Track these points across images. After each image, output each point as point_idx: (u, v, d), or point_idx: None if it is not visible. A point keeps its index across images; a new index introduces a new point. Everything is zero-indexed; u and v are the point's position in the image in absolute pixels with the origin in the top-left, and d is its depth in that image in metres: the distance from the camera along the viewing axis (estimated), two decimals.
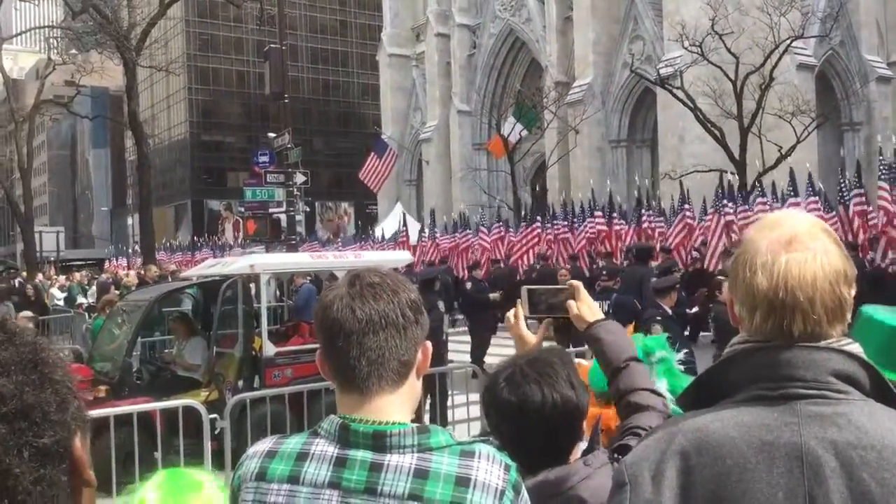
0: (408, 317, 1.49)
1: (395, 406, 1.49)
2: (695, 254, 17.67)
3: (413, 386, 1.54)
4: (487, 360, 12.19)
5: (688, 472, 1.23)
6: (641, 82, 32.32)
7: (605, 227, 20.19)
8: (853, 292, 1.31)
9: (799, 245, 1.29)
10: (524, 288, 2.05)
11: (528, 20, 41.48)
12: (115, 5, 26.49)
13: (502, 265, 19.47)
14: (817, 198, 16.63)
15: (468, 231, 23.75)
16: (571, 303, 2.14)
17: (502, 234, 22.30)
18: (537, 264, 18.39)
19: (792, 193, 16.81)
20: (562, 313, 2.10)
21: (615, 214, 20.93)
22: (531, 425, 1.94)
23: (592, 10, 36.10)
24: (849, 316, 1.32)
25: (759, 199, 17.73)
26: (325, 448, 1.46)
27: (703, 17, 24.14)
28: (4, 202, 51.51)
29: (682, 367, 3.06)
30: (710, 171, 22.00)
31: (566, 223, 21.25)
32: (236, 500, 1.52)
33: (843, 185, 16.53)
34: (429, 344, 1.57)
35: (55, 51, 38.28)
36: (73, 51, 36.26)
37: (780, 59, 22.29)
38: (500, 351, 12.04)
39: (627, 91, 36.14)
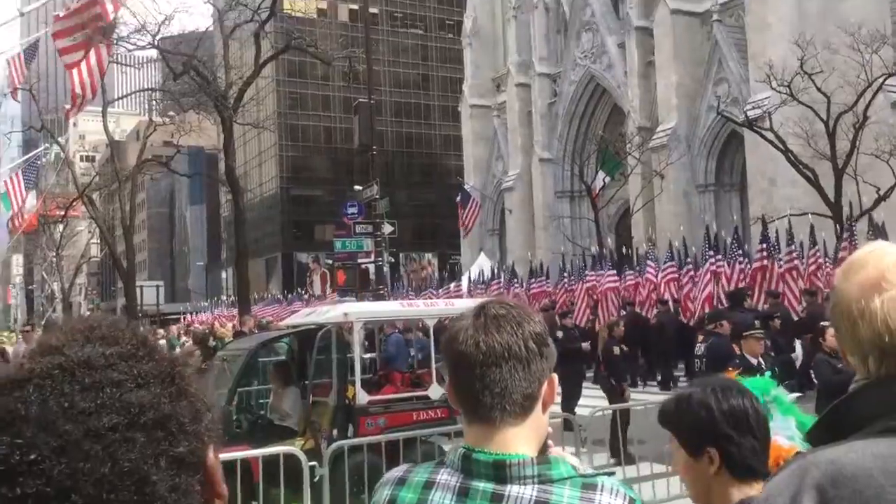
0: (532, 349, 1.48)
1: (519, 439, 1.48)
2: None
3: (539, 419, 1.52)
4: (578, 410, 11.99)
5: None
6: (728, 125, 31.80)
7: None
8: None
9: (888, 283, 1.27)
10: None
11: (609, 66, 41.44)
12: (213, 67, 27.76)
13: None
14: None
15: (552, 279, 23.66)
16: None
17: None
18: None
19: None
20: None
21: (689, 260, 20.74)
22: None
23: (675, 54, 35.89)
24: None
25: (842, 245, 17.22)
26: (449, 477, 1.48)
27: (790, 58, 23.71)
28: (108, 258, 53.84)
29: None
30: (804, 214, 21.41)
31: (675, 266, 20.81)
32: None
33: None
34: (555, 376, 1.55)
35: (156, 111, 40.35)
36: (171, 112, 38.17)
37: (873, 97, 21.66)
38: (590, 402, 11.85)
39: (713, 134, 35.56)
